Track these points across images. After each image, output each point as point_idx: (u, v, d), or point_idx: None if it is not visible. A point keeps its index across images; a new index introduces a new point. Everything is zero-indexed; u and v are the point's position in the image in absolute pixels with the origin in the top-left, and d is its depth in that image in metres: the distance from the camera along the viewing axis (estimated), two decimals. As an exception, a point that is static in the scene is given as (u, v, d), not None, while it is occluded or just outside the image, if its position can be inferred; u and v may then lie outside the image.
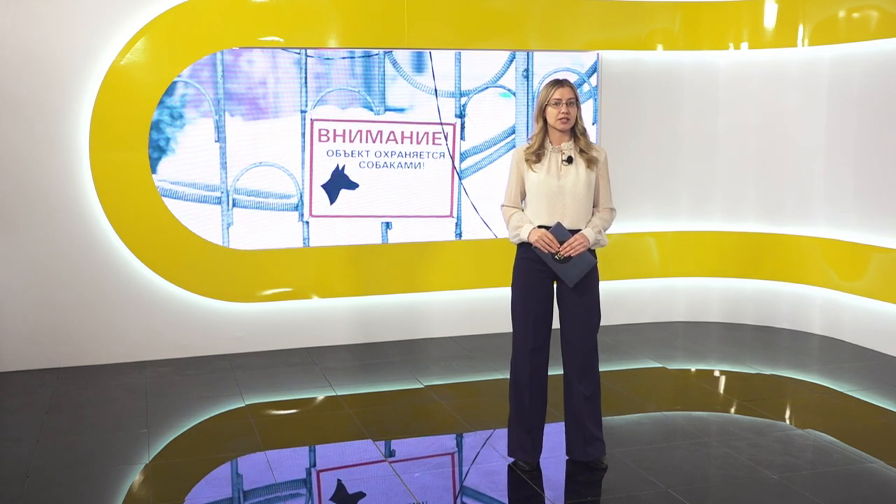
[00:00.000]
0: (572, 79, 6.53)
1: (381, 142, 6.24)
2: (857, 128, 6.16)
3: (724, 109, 6.81)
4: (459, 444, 4.48)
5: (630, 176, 6.69)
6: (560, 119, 3.86)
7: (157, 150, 5.78)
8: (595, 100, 6.67)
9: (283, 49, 5.96)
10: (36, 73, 5.55)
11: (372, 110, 6.19)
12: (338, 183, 6.19)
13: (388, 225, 6.30)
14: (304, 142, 6.09)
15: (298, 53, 5.99)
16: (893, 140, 5.92)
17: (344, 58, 6.09)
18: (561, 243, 3.84)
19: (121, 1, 5.64)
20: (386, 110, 6.22)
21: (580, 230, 3.90)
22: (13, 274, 5.66)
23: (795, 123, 6.54)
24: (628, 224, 6.76)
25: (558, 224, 3.86)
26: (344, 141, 6.18)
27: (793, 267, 6.66)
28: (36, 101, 5.57)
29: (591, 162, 3.92)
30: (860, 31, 6.04)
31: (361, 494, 3.85)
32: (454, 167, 6.40)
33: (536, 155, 3.92)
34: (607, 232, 4.04)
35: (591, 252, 3.93)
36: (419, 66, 6.26)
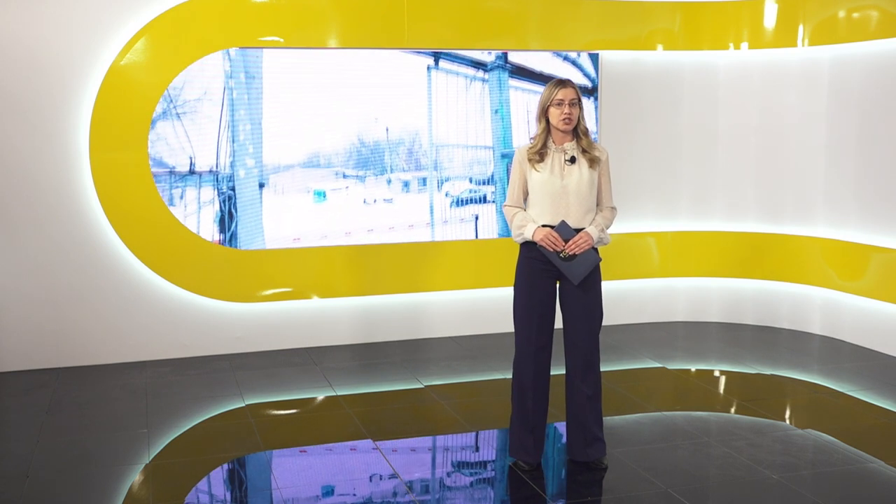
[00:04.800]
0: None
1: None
2: (857, 127, 6.17)
3: (724, 109, 6.81)
4: (459, 444, 4.48)
5: (630, 176, 6.69)
6: (563, 119, 3.87)
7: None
8: (595, 100, 6.67)
9: (284, 49, 5.96)
10: (36, 73, 5.55)
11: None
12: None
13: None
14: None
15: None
16: (893, 140, 5.92)
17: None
18: (566, 241, 3.85)
19: (121, 1, 5.64)
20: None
21: (583, 229, 3.91)
22: (13, 274, 5.66)
23: (795, 123, 6.54)
24: (629, 224, 6.76)
25: (563, 223, 3.87)
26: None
27: (793, 267, 6.66)
28: (36, 101, 5.57)
29: (593, 162, 3.93)
30: (860, 31, 6.04)
31: (361, 494, 3.85)
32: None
33: (539, 155, 3.93)
34: (608, 230, 4.06)
35: (595, 250, 3.94)
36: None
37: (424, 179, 6.37)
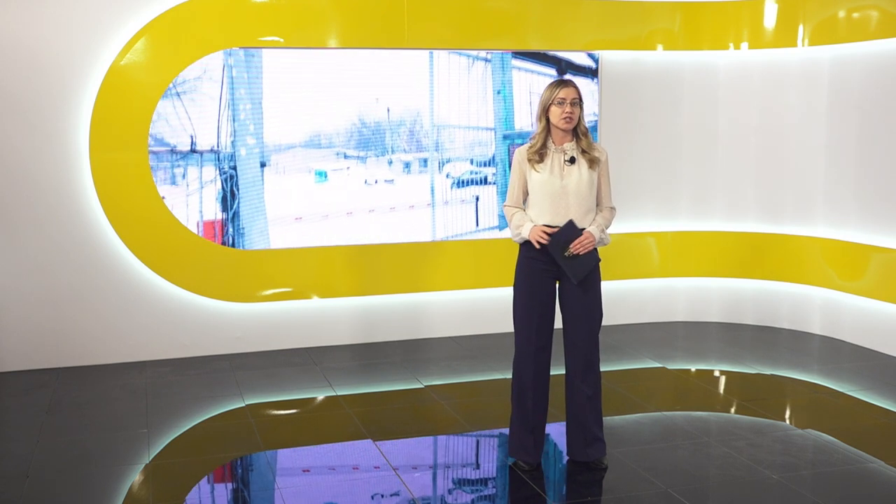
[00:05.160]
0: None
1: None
2: (857, 128, 6.17)
3: (724, 109, 6.81)
4: (459, 444, 4.48)
5: (630, 176, 6.69)
6: (564, 118, 3.87)
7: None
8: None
9: (284, 49, 5.96)
10: (36, 73, 5.55)
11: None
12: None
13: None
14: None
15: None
16: (893, 140, 5.92)
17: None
18: (570, 241, 3.85)
19: (121, 1, 5.64)
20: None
21: (584, 229, 3.91)
22: (13, 274, 5.66)
23: (795, 123, 6.54)
24: (629, 224, 6.76)
25: (570, 222, 3.86)
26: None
27: (793, 267, 6.66)
28: (36, 101, 5.57)
29: (593, 162, 3.94)
30: (860, 31, 6.04)
31: (362, 494, 3.85)
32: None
33: (539, 155, 3.93)
34: (608, 231, 4.06)
35: (594, 249, 3.95)
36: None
37: (425, 160, 6.37)
